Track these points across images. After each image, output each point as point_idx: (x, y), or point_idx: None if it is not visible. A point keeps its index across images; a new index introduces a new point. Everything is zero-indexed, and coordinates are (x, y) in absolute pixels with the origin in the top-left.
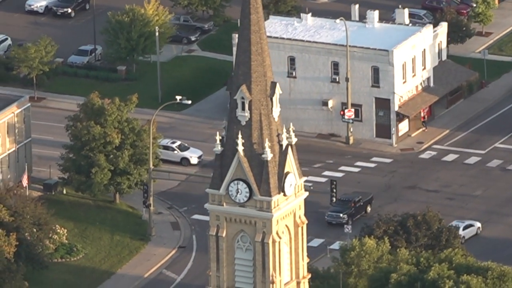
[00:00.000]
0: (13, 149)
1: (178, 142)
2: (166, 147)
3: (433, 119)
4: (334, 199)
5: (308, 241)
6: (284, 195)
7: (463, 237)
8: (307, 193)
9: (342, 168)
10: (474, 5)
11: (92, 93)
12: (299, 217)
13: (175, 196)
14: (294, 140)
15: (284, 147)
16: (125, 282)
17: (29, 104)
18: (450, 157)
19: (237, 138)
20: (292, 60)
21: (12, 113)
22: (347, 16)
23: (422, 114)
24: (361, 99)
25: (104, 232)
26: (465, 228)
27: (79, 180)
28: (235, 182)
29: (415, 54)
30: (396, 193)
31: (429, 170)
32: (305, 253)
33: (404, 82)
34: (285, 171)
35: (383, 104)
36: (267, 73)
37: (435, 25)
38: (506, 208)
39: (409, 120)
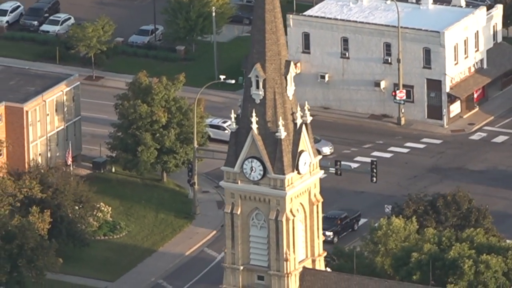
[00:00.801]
0: (62, 127)
1: (229, 122)
2: (217, 127)
3: (486, 101)
4: (375, 179)
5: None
6: (299, 173)
7: None
8: (322, 172)
9: (391, 148)
10: None
11: (140, 72)
12: (315, 195)
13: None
14: (309, 118)
15: (298, 125)
16: (166, 260)
17: (78, 83)
18: (500, 139)
19: (251, 116)
20: (345, 41)
21: (61, 91)
22: None
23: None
24: (412, 80)
25: (149, 210)
26: None
27: (126, 158)
28: (249, 160)
29: (468, 35)
30: (442, 174)
31: (478, 151)
32: (321, 231)
33: (455, 64)
34: (300, 149)
35: (435, 85)
36: (281, 51)
37: (490, 7)
38: None
39: (461, 101)
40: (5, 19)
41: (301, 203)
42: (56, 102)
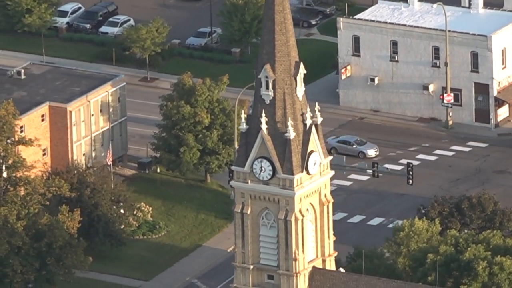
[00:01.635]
0: (107, 127)
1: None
2: None
3: None
4: (411, 181)
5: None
6: (308, 173)
7: None
8: (333, 172)
9: (437, 151)
10: None
11: (185, 73)
12: (325, 196)
13: None
14: (319, 119)
15: (308, 126)
16: (202, 260)
17: (124, 83)
18: None
19: (261, 116)
20: (394, 44)
21: (106, 91)
22: (456, 2)
23: None
24: (460, 84)
25: (190, 210)
26: None
27: (169, 159)
28: (259, 160)
29: None
30: (484, 177)
31: None
32: (331, 231)
33: (503, 68)
34: (309, 150)
35: (482, 89)
36: (291, 52)
37: None
38: None
39: (509, 105)
40: (64, 20)
41: (311, 203)
42: (101, 103)
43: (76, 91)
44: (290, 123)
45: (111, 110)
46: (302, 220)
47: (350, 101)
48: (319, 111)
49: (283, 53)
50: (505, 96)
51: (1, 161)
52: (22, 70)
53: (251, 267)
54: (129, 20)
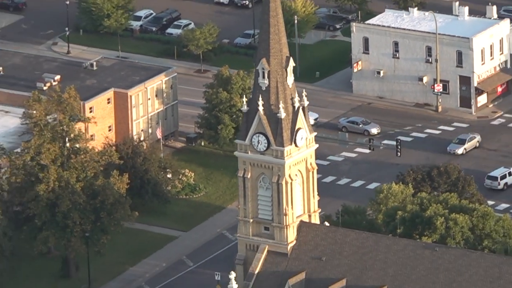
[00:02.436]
0: (161, 109)
1: (312, 114)
2: None
3: (509, 94)
4: (399, 154)
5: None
6: (296, 146)
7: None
8: (317, 145)
9: (427, 130)
10: None
11: (223, 66)
12: (310, 164)
13: None
14: (306, 103)
15: (296, 108)
16: (231, 215)
17: (175, 74)
18: None
19: (259, 100)
20: (396, 44)
21: (160, 80)
22: (448, 11)
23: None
24: (448, 76)
25: (225, 176)
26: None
27: (209, 134)
28: (257, 135)
29: (493, 41)
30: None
31: (495, 133)
32: (316, 192)
33: (482, 64)
34: (297, 127)
35: (465, 80)
36: (283, 49)
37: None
38: None
39: (487, 94)
40: (138, 23)
41: (299, 170)
42: (156, 89)
43: (136, 80)
44: (281, 105)
45: (164, 95)
46: (291, 183)
47: (361, 90)
48: (305, 96)
49: (276, 50)
50: (484, 87)
51: (65, 135)
52: (95, 63)
53: (251, 220)
54: (190, 23)
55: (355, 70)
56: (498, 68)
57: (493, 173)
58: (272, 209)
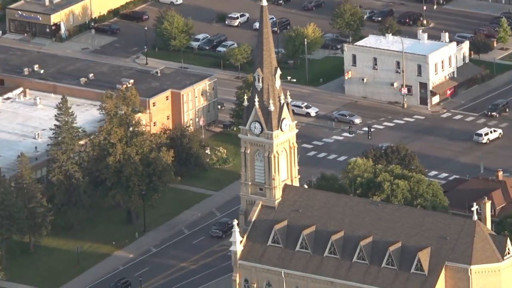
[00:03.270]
0: (205, 104)
1: (305, 103)
2: (298, 106)
3: (456, 95)
4: (370, 137)
5: None
6: (282, 130)
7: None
8: (297, 130)
9: (395, 121)
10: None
11: (249, 74)
12: (292, 143)
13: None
14: (289, 100)
15: (282, 103)
16: None
17: (216, 79)
18: (458, 117)
19: (255, 98)
20: (375, 59)
21: (204, 84)
22: (413, 36)
23: (448, 93)
24: (411, 83)
25: None
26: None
27: (238, 122)
28: (254, 122)
29: (444, 58)
30: (420, 134)
31: (444, 123)
32: (296, 163)
33: (436, 74)
34: (282, 117)
35: (423, 86)
36: (272, 62)
37: (462, 42)
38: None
39: (439, 95)
40: (197, 43)
41: (284, 148)
42: (201, 90)
43: (187, 83)
44: (271, 102)
45: (207, 94)
46: (278, 157)
47: (350, 91)
48: (289, 95)
49: (267, 62)
50: (437, 90)
51: (128, 122)
52: (159, 71)
53: (250, 183)
54: (233, 44)
55: (346, 77)
56: (447, 77)
57: (479, 131)
58: (264, 175)
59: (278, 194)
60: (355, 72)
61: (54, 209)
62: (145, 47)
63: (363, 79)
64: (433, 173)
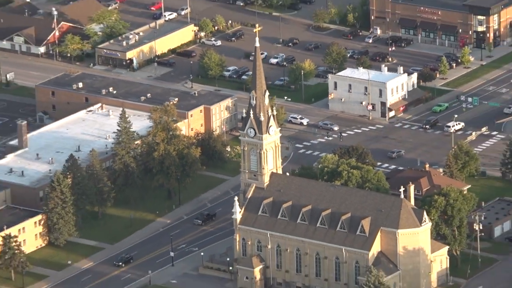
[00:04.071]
0: (228, 116)
1: (300, 115)
2: (294, 117)
3: (406, 111)
4: (341, 140)
5: None
6: (269, 134)
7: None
8: (280, 134)
9: (362, 128)
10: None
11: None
12: (277, 143)
13: (295, 137)
14: (275, 113)
15: (269, 115)
16: None
17: (236, 98)
18: (406, 126)
19: (250, 111)
20: (350, 85)
21: (228, 101)
22: (378, 68)
23: (400, 108)
24: (375, 101)
25: None
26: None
27: None
28: (249, 128)
29: (398, 85)
30: (380, 137)
31: (394, 130)
32: (280, 157)
33: (392, 95)
34: (269, 125)
35: (383, 104)
36: (263, 85)
37: (411, 73)
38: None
39: (395, 111)
40: (228, 73)
41: (271, 146)
42: (225, 105)
43: (215, 100)
44: (261, 113)
45: (230, 109)
46: (266, 153)
47: (333, 108)
48: (279, 108)
49: (260, 86)
50: (392, 107)
51: (168, 127)
52: (196, 92)
53: (247, 171)
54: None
55: (330, 98)
56: (400, 98)
57: (448, 124)
58: (257, 166)
59: (266, 179)
60: (336, 94)
61: (115, 189)
62: (191, 75)
63: (341, 99)
64: (385, 165)
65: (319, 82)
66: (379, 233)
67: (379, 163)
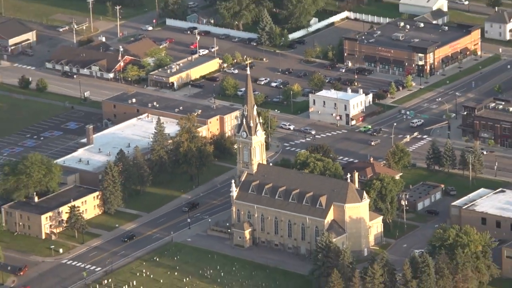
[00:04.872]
0: (236, 123)
1: (288, 123)
2: (284, 124)
3: (364, 121)
4: (314, 140)
5: None
6: (257, 136)
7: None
8: (265, 136)
9: (333, 132)
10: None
11: (266, 110)
12: (262, 143)
13: (283, 138)
14: (261, 121)
15: (256, 122)
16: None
17: (243, 111)
18: (362, 130)
19: (243, 119)
20: (324, 102)
21: (237, 113)
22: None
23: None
24: (342, 113)
25: None
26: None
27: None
28: (242, 131)
29: (358, 102)
30: (346, 140)
31: (355, 134)
32: (264, 151)
33: (354, 109)
34: (257, 129)
35: (347, 116)
36: (252, 101)
37: (368, 93)
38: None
39: (356, 120)
40: (240, 93)
41: (258, 144)
42: (235, 116)
43: (228, 112)
44: (251, 121)
45: (238, 118)
46: (255, 149)
47: (313, 118)
48: (273, 118)
49: (250, 101)
50: (354, 118)
51: (190, 131)
52: (215, 106)
53: (241, 162)
54: (258, 93)
55: (310, 110)
56: (360, 111)
57: (413, 121)
58: (248, 158)
59: (254, 168)
60: (315, 108)
61: (152, 174)
62: (213, 94)
63: (318, 111)
64: (345, 159)
65: (304, 99)
66: (332, 207)
67: (340, 157)
